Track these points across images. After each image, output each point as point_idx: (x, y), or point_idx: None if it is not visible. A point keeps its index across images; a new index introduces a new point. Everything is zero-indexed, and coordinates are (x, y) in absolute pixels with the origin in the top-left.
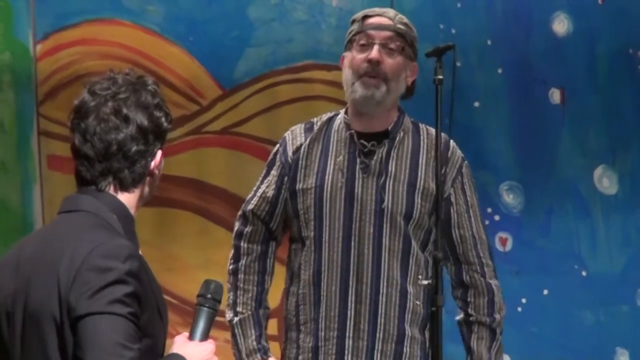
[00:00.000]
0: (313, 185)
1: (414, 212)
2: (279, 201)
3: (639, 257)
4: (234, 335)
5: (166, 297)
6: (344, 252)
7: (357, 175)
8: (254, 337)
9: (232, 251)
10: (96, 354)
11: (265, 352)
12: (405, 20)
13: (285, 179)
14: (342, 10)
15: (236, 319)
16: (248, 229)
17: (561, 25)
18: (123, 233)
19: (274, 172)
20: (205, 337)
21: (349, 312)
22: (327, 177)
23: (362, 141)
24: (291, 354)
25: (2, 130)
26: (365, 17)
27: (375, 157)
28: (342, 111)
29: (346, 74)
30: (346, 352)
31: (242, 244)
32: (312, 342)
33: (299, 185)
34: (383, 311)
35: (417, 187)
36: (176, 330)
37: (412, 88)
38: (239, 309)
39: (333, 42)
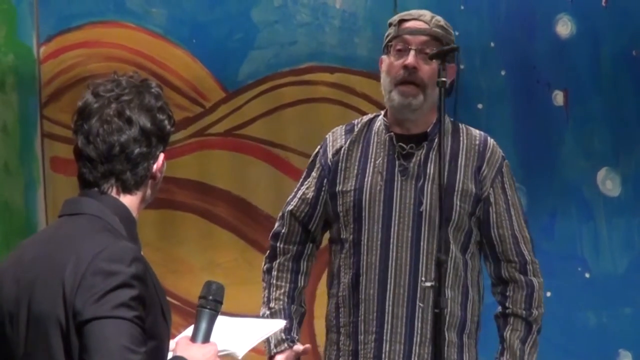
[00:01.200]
0: (352, 187)
1: (453, 214)
2: (318, 203)
3: None
4: None
5: (169, 299)
6: (383, 256)
7: (396, 178)
8: (282, 329)
9: (268, 251)
10: (103, 358)
11: (292, 341)
12: (442, 22)
13: (325, 181)
14: (346, 13)
15: (267, 312)
16: (285, 230)
17: (565, 27)
18: (126, 236)
19: (314, 173)
20: (207, 338)
21: (386, 316)
22: (366, 179)
23: (400, 144)
24: (332, 355)
25: (5, 132)
26: (402, 21)
27: (413, 160)
28: (382, 113)
29: (384, 80)
30: (383, 355)
31: (278, 244)
32: (352, 345)
33: (338, 187)
34: (420, 315)
35: (456, 189)
36: (180, 332)
37: (451, 89)
38: (271, 304)
39: (336, 44)
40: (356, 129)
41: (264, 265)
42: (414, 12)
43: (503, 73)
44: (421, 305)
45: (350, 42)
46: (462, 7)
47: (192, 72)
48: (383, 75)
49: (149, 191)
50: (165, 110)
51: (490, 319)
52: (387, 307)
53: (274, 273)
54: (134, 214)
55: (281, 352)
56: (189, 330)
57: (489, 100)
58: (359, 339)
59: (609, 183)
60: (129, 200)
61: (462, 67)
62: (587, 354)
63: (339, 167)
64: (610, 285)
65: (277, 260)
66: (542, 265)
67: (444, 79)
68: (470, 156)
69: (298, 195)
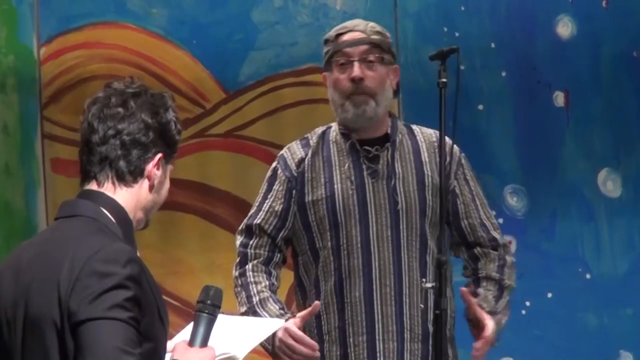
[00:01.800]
0: (323, 196)
1: (427, 209)
2: (289, 215)
3: None
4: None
5: (170, 300)
6: (365, 258)
7: (366, 181)
8: (277, 308)
9: (238, 259)
10: (97, 359)
11: (292, 314)
12: (377, 27)
13: (294, 192)
14: (346, 14)
15: (255, 300)
16: (254, 240)
17: (565, 28)
18: (122, 237)
19: (278, 187)
20: (205, 343)
21: (376, 315)
22: (335, 186)
23: (366, 147)
24: None
25: (6, 133)
26: (338, 35)
27: (381, 161)
28: (334, 124)
29: (332, 95)
30: (378, 354)
31: (248, 250)
32: (339, 350)
33: (307, 198)
34: (407, 311)
35: (426, 184)
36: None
37: (398, 89)
38: (255, 298)
39: None
40: (312, 142)
41: (235, 272)
42: (348, 24)
43: (504, 74)
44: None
45: None
46: (463, 8)
47: (193, 73)
48: (331, 91)
49: (144, 193)
50: (171, 114)
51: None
52: (375, 307)
53: (249, 274)
54: (131, 215)
55: (287, 319)
56: (186, 331)
57: (490, 101)
58: (348, 342)
59: (609, 184)
60: (124, 198)
61: (462, 67)
62: (588, 355)
63: (306, 178)
64: (611, 286)
65: (250, 264)
66: (543, 266)
67: (444, 80)
68: (431, 152)
69: (264, 209)
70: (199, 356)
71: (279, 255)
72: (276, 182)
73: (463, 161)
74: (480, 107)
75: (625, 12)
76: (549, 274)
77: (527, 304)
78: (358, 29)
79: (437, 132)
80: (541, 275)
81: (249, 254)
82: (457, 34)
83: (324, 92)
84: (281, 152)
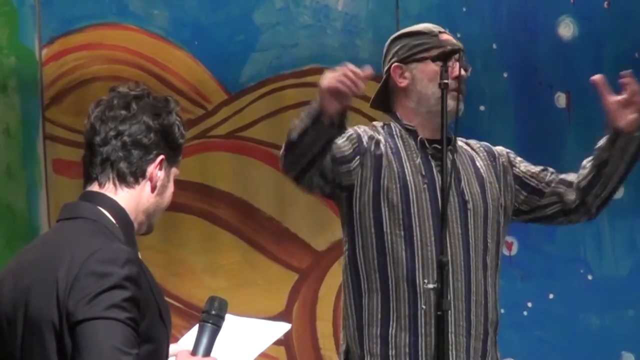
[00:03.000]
0: (397, 185)
1: (488, 212)
2: (343, 161)
3: None
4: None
5: (171, 301)
6: (438, 251)
7: (436, 178)
8: None
9: None
10: (94, 359)
11: None
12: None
13: (359, 158)
14: (348, 15)
15: None
16: None
17: (567, 29)
18: (123, 238)
19: (346, 142)
20: (208, 353)
21: (449, 310)
22: (408, 178)
23: (435, 145)
24: (374, 349)
25: (7, 134)
26: (440, 32)
27: (448, 161)
28: (392, 122)
29: (426, 86)
30: (450, 346)
31: None
32: (409, 337)
33: (383, 182)
34: (474, 309)
35: (486, 189)
36: (182, 334)
37: None
38: None
39: (338, 46)
40: (380, 131)
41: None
42: (434, 27)
43: (505, 75)
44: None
45: (352, 45)
46: (464, 9)
47: (194, 74)
48: (424, 83)
49: (145, 195)
50: (175, 116)
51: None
52: (448, 301)
53: None
54: (132, 216)
55: None
56: (191, 335)
57: (492, 102)
58: (420, 331)
59: None
60: (125, 199)
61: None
62: (590, 357)
63: (383, 161)
64: (613, 287)
65: None
66: (545, 267)
67: (445, 81)
68: (484, 160)
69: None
70: None
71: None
72: (344, 137)
73: (508, 151)
74: (482, 108)
75: (627, 13)
76: (551, 275)
77: (529, 305)
78: (448, 32)
79: (489, 145)
80: (543, 276)
81: None
82: (458, 35)
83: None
84: (352, 128)
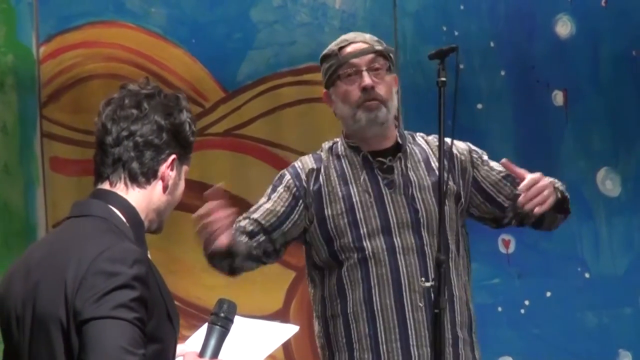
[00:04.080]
0: (342, 209)
1: (445, 215)
2: (288, 219)
3: None
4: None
5: None
6: (392, 266)
7: (384, 192)
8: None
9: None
10: (100, 358)
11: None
12: (375, 37)
13: (300, 202)
14: (345, 13)
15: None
16: (250, 227)
17: (564, 27)
18: (133, 237)
19: (283, 192)
20: (216, 355)
21: (408, 322)
22: (354, 199)
23: (379, 159)
24: None
25: (5, 132)
26: (340, 48)
27: (395, 171)
28: (339, 139)
29: (341, 109)
30: (413, 359)
31: (240, 223)
32: (372, 357)
33: (327, 212)
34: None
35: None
36: (180, 333)
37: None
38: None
39: None
40: (323, 156)
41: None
42: (347, 37)
43: (503, 73)
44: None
45: None
46: (462, 7)
47: (192, 72)
48: (339, 105)
49: (157, 194)
50: (186, 114)
51: (486, 319)
52: (407, 313)
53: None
54: (142, 215)
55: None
56: (198, 335)
57: (489, 100)
58: (381, 349)
59: (608, 183)
60: (136, 198)
61: (461, 67)
62: (587, 354)
63: (323, 192)
64: (610, 285)
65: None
66: (542, 265)
67: (443, 79)
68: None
69: (265, 208)
70: None
71: (270, 245)
72: (281, 186)
73: (472, 148)
74: (480, 106)
75: (624, 11)
76: (548, 273)
77: (526, 303)
78: (359, 40)
79: (449, 140)
80: (540, 274)
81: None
82: (456, 33)
83: (322, 91)
84: (293, 163)
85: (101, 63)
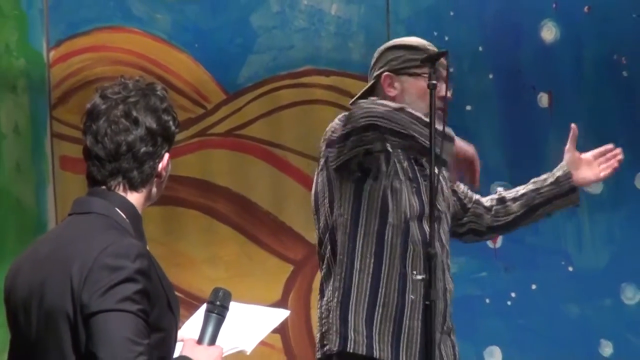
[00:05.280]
0: (399, 186)
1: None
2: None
3: (622, 253)
4: None
5: None
6: (425, 247)
7: (420, 182)
8: None
9: None
10: (107, 349)
11: None
12: None
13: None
14: (341, 19)
15: None
16: None
17: (549, 32)
18: (132, 232)
19: None
20: (213, 341)
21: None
22: (403, 179)
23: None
24: (359, 327)
25: (17, 132)
26: (438, 55)
27: (425, 166)
28: None
29: (415, 102)
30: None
31: None
32: (393, 326)
33: (391, 177)
34: (448, 308)
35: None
36: (183, 322)
37: None
38: None
39: (332, 48)
40: None
41: None
42: (428, 43)
43: (490, 76)
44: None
45: (344, 47)
46: (452, 14)
47: (195, 75)
48: (412, 97)
49: (154, 189)
50: (170, 112)
51: (475, 310)
52: (436, 291)
53: None
54: (140, 210)
55: None
56: (191, 322)
57: (477, 102)
58: (404, 323)
59: None
60: (135, 198)
61: (451, 70)
62: (570, 344)
63: (391, 160)
64: (592, 278)
65: None
66: (528, 259)
67: (434, 82)
68: None
69: None
70: (207, 354)
71: None
72: None
73: None
74: (469, 107)
75: (605, 18)
76: (534, 266)
77: (513, 295)
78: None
79: None
80: (526, 267)
81: None
82: (446, 38)
83: (319, 93)
84: None
85: (108, 66)
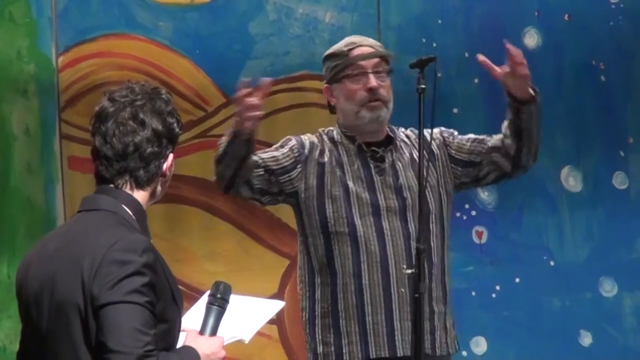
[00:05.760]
0: (339, 190)
1: (429, 203)
2: (287, 174)
3: (601, 248)
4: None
5: None
6: (381, 245)
7: (375, 179)
8: None
9: None
10: (116, 339)
11: None
12: (378, 42)
13: (300, 166)
14: (334, 26)
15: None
16: (254, 157)
17: (531, 39)
18: (138, 228)
19: (287, 151)
20: (214, 332)
21: (392, 297)
22: (348, 183)
23: (373, 148)
24: (327, 339)
25: (27, 134)
26: (349, 50)
27: (387, 161)
28: (334, 128)
29: (345, 105)
30: (396, 332)
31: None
32: (358, 327)
33: (327, 188)
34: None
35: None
36: (183, 314)
37: None
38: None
39: None
40: (325, 139)
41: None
42: (355, 40)
43: (476, 81)
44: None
45: None
46: (440, 22)
47: (196, 79)
48: (343, 101)
49: (159, 187)
50: (174, 115)
51: (462, 302)
52: (392, 289)
53: None
54: (145, 207)
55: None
56: (191, 313)
57: (464, 105)
58: (367, 320)
59: (571, 180)
60: (141, 196)
61: (439, 75)
62: (552, 334)
63: (326, 168)
64: (572, 272)
65: None
66: (511, 254)
67: (423, 86)
68: (416, 148)
69: (271, 153)
70: (208, 344)
71: (267, 184)
72: (287, 147)
73: (443, 129)
74: (455, 110)
75: (585, 25)
76: (517, 261)
77: (497, 288)
78: (366, 43)
79: (426, 132)
80: (510, 262)
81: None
82: (434, 45)
83: (314, 97)
84: (301, 136)
85: (114, 71)
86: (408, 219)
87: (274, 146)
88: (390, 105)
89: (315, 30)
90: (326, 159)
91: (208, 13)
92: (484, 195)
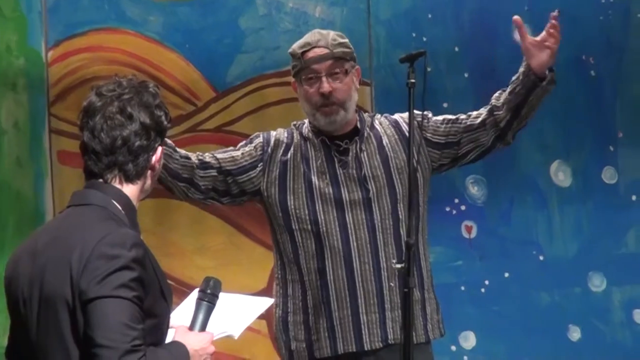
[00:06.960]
0: (302, 186)
1: (396, 190)
2: (245, 174)
3: (590, 243)
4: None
5: None
6: (344, 240)
7: (338, 172)
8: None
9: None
10: (104, 333)
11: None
12: (338, 39)
13: (261, 165)
14: (324, 21)
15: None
16: (207, 157)
17: None
18: (128, 223)
19: (251, 149)
20: (203, 328)
21: (358, 291)
22: (312, 178)
23: (336, 141)
24: (299, 335)
25: (17, 128)
26: (303, 52)
27: (350, 153)
28: (306, 121)
29: (304, 105)
30: (362, 325)
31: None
32: (326, 322)
33: (289, 184)
34: (387, 285)
35: (391, 166)
36: (173, 309)
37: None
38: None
39: None
40: (295, 134)
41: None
42: (310, 40)
43: (466, 75)
44: (392, 284)
45: None
46: (430, 16)
47: (186, 74)
48: (302, 101)
49: (148, 181)
50: (162, 108)
51: (451, 297)
52: (357, 284)
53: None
54: (134, 202)
55: None
56: (181, 308)
57: (454, 99)
58: (334, 315)
59: (560, 175)
60: (130, 190)
61: (429, 69)
62: (541, 329)
63: (289, 165)
64: (561, 267)
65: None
66: (501, 249)
67: (413, 81)
68: (390, 134)
69: (230, 154)
70: (198, 339)
71: (222, 185)
72: (252, 144)
73: (416, 112)
74: (445, 105)
75: (574, 20)
76: (506, 255)
77: (487, 282)
78: (321, 44)
79: (399, 115)
80: (499, 256)
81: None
82: (424, 39)
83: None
84: (270, 131)
85: (104, 66)
86: (373, 210)
87: (239, 144)
88: (350, 104)
89: (305, 24)
90: (290, 155)
91: (198, 7)
92: (474, 189)
